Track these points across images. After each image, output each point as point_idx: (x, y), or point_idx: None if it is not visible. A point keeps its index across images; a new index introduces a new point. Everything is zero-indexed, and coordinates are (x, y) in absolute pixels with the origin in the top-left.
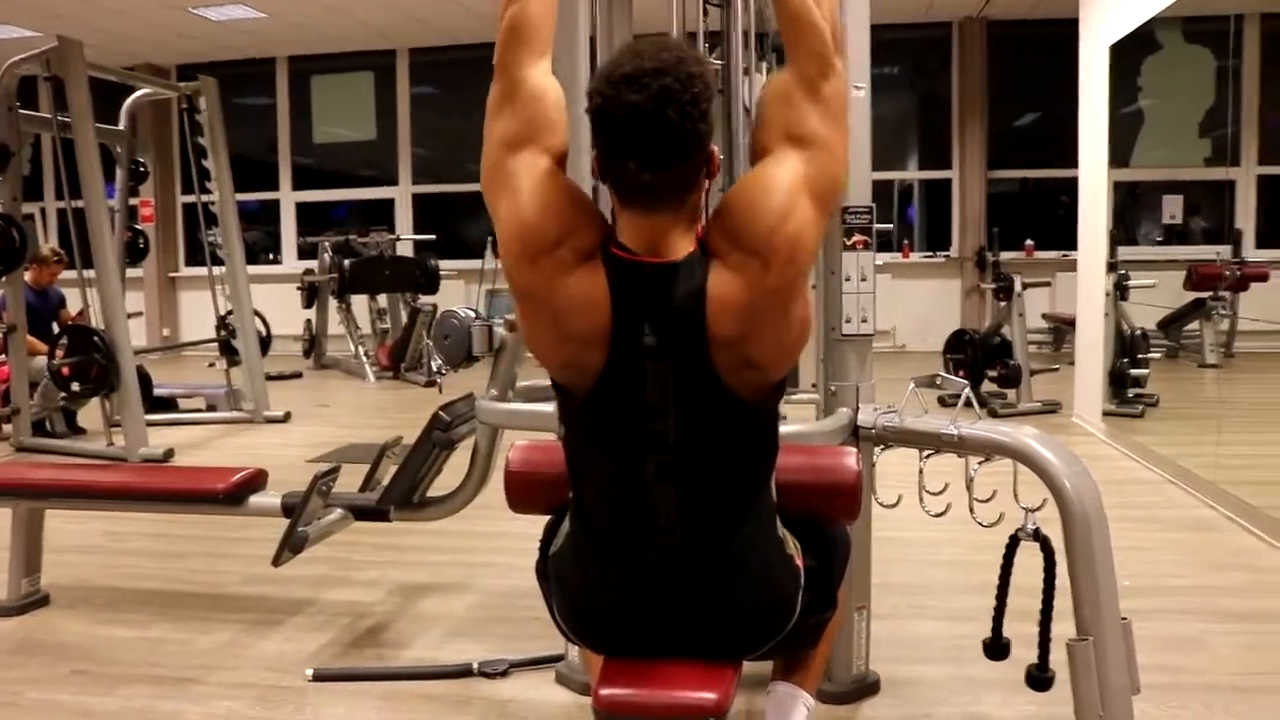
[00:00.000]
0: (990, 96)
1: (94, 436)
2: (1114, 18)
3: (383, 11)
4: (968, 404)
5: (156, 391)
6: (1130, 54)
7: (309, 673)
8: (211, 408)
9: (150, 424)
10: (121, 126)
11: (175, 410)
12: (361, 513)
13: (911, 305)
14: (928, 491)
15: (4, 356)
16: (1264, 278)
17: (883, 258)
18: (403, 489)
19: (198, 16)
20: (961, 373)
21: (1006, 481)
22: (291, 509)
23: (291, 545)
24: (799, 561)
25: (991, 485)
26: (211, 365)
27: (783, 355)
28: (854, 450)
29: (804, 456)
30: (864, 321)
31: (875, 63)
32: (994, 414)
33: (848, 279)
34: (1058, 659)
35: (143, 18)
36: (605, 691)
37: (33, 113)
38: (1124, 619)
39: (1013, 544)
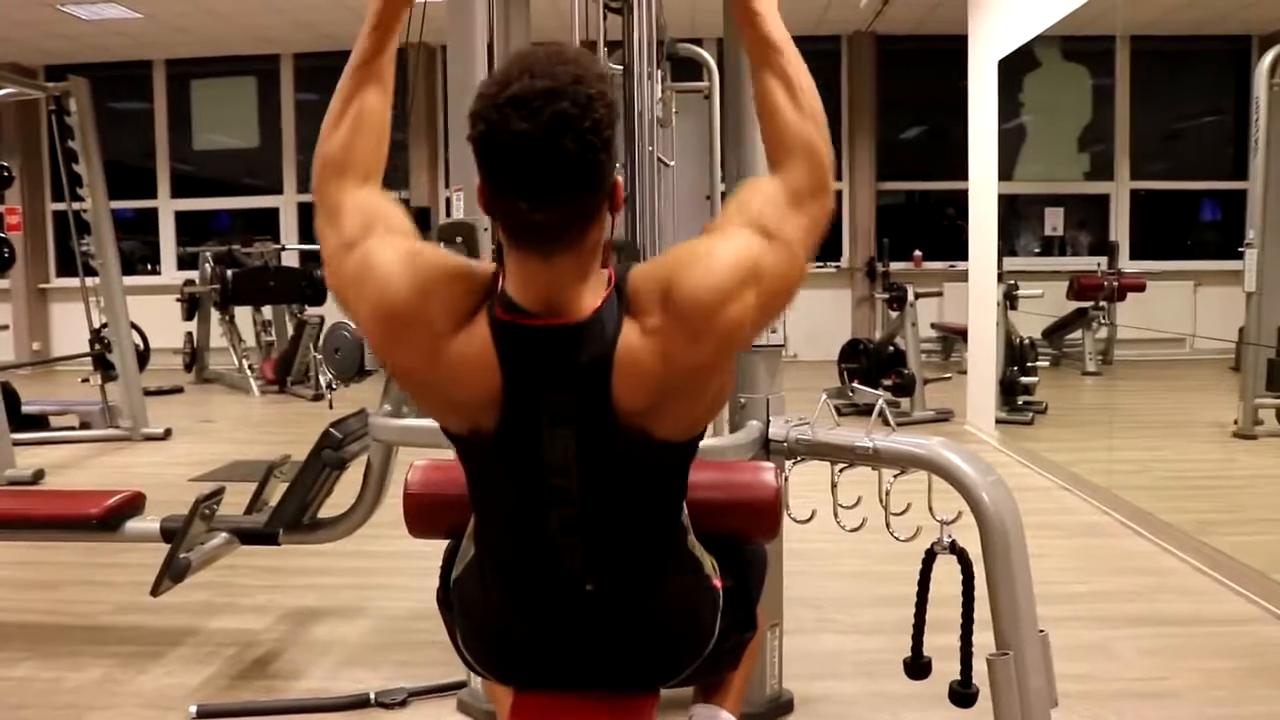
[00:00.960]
0: (879, 110)
1: None
2: (1001, 34)
3: (266, 15)
4: (883, 415)
5: (25, 409)
6: (1013, 71)
7: (192, 709)
8: (85, 425)
9: (18, 443)
10: None
11: (46, 429)
12: (248, 536)
13: (804, 315)
14: (842, 506)
15: None
16: (1141, 288)
17: None
18: (292, 510)
19: (68, 15)
20: (856, 381)
21: (919, 494)
22: (172, 534)
23: (172, 573)
24: (716, 582)
25: (905, 498)
26: (85, 380)
27: (690, 428)
28: (771, 465)
29: (720, 472)
30: (773, 332)
31: None
32: (886, 423)
33: None
34: (979, 672)
35: (6, 14)
36: None
37: None
38: (1041, 631)
39: (929, 558)
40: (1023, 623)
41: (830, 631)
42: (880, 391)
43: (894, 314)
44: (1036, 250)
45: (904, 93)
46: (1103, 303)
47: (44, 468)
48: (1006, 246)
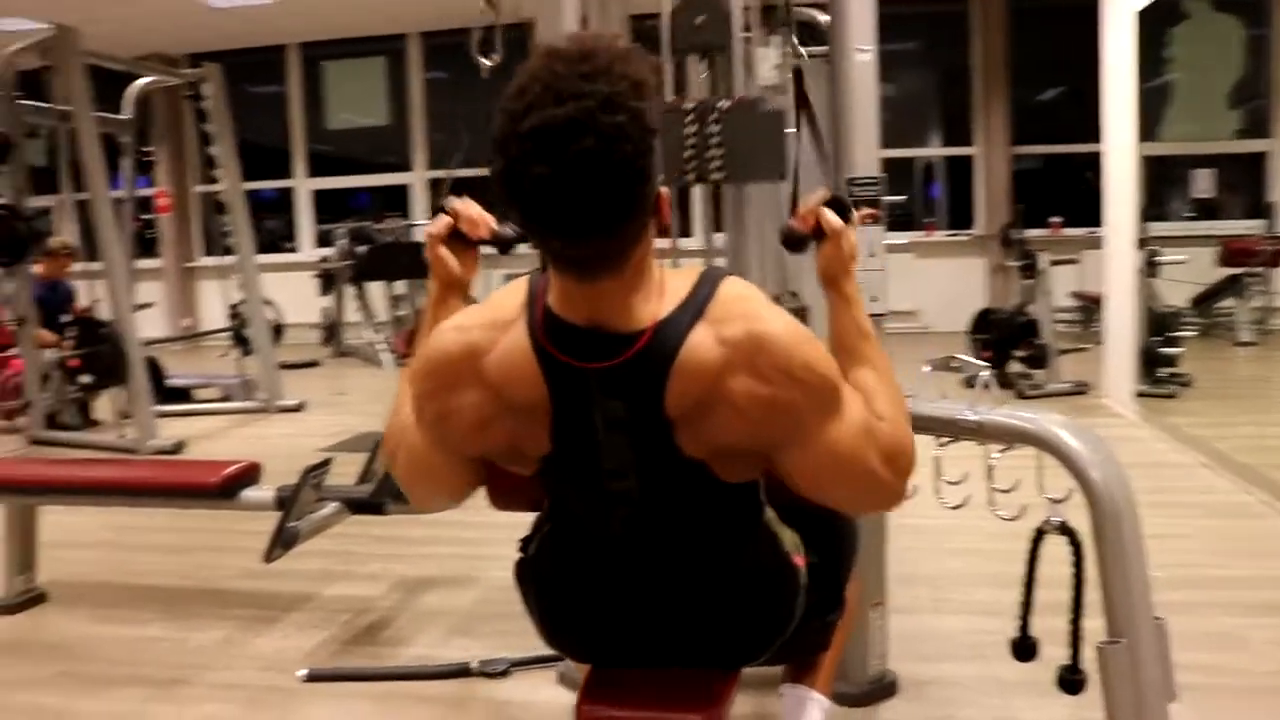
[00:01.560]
0: (1013, 70)
1: (107, 429)
2: None
3: None
4: (988, 387)
5: (171, 382)
6: (1156, 24)
7: (302, 673)
8: (226, 398)
9: (163, 415)
10: (126, 116)
11: (189, 401)
12: (356, 506)
13: (936, 285)
14: (946, 482)
15: (16, 350)
16: None
17: (906, 237)
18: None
19: (205, 4)
20: (987, 353)
21: (1032, 470)
22: (285, 503)
23: (283, 541)
24: (797, 560)
25: (1016, 475)
26: (224, 355)
27: (731, 461)
28: None
29: None
30: (874, 300)
31: (893, 38)
32: (1021, 395)
33: None
34: (1090, 658)
35: (151, 6)
36: (586, 706)
37: (36, 103)
38: (1158, 619)
39: (1038, 538)
40: (1136, 609)
41: (944, 612)
42: (983, 361)
43: (1026, 282)
44: (1187, 215)
45: (1039, 52)
46: (1258, 269)
47: (186, 438)
48: (1150, 211)
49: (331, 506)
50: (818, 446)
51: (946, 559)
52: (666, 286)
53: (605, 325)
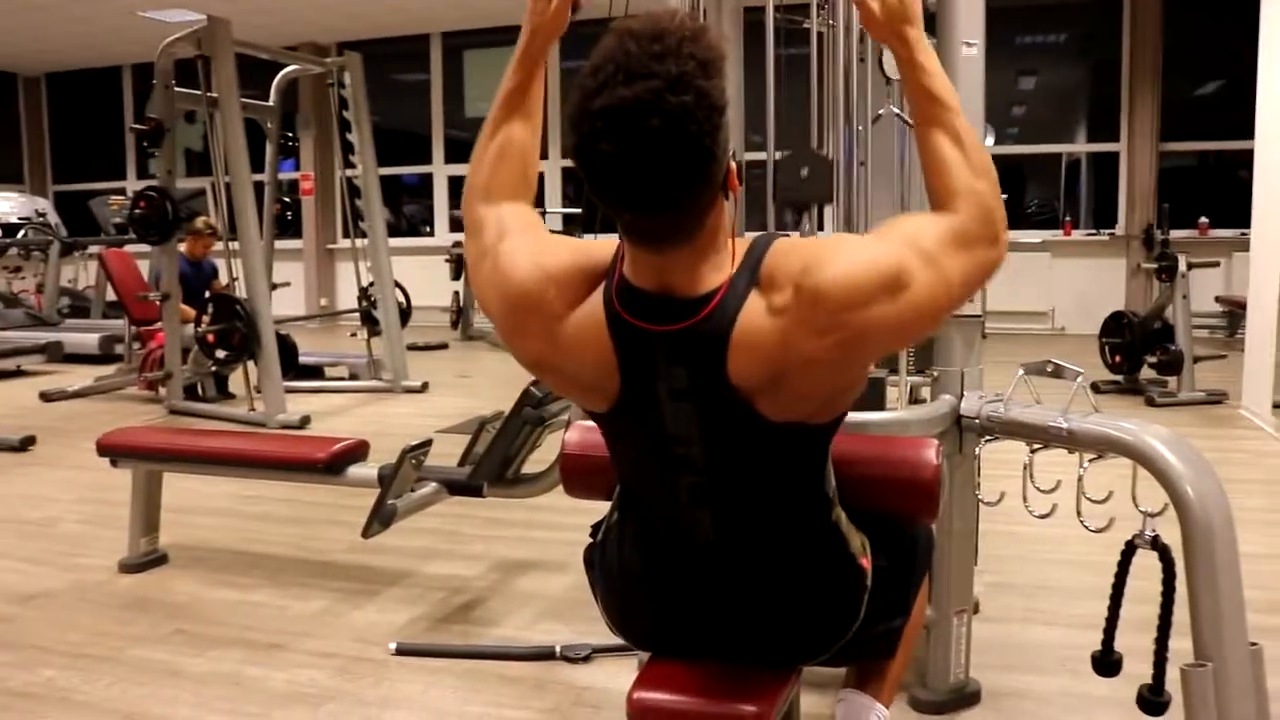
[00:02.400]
0: (1166, 63)
1: (240, 402)
2: None
3: None
4: (1100, 391)
5: (303, 359)
6: None
7: (392, 646)
8: (354, 376)
9: (293, 391)
10: (271, 102)
11: (320, 378)
12: (455, 487)
13: (1072, 285)
14: (1037, 489)
15: (160, 324)
16: None
17: (1042, 235)
18: (495, 464)
19: None
20: (1119, 358)
21: (1128, 481)
22: (385, 480)
23: (380, 518)
24: (864, 561)
25: (1110, 485)
26: (354, 335)
27: (798, 415)
28: (934, 442)
29: (878, 447)
30: (970, 300)
31: (1041, 30)
32: (1151, 402)
33: None
34: (1174, 681)
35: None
36: (638, 695)
37: (187, 90)
38: (1254, 644)
39: (1128, 552)
40: (1226, 632)
41: (1038, 622)
42: (1079, 368)
43: (1163, 285)
44: None
45: (1195, 44)
46: None
47: (311, 414)
48: None
49: (430, 486)
50: (913, 315)
51: (1047, 569)
52: (737, 255)
53: (674, 291)
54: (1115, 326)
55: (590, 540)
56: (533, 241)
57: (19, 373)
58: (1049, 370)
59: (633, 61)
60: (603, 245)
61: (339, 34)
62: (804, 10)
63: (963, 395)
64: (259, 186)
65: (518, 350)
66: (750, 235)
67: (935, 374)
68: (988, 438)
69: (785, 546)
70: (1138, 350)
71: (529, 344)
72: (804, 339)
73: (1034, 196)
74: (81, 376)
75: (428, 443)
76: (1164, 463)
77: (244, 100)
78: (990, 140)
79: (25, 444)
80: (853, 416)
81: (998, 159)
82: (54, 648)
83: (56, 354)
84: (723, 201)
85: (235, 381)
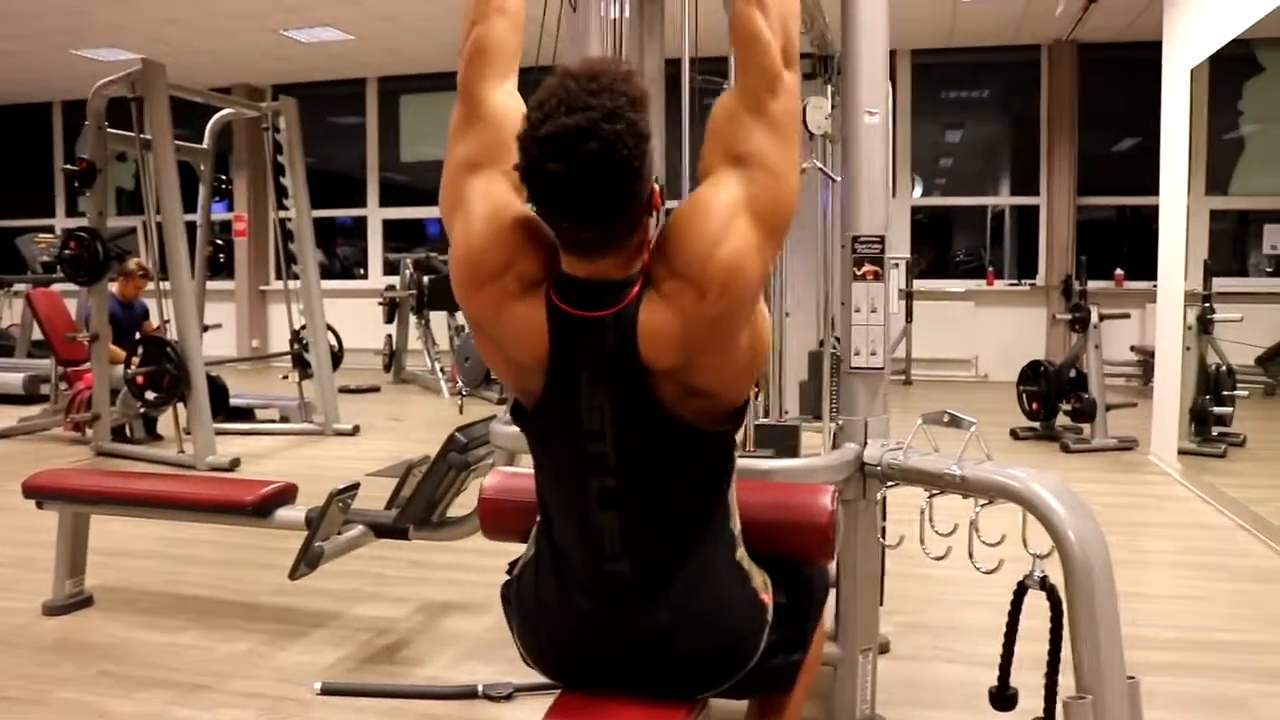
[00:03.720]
0: (1082, 121)
1: (170, 444)
2: (1193, 41)
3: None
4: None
5: (235, 401)
6: (1229, 77)
7: (317, 686)
8: (284, 419)
9: (224, 433)
10: (205, 145)
11: (252, 420)
12: (381, 530)
13: (995, 335)
14: (936, 532)
15: (88, 365)
16: None
17: (965, 284)
18: (420, 508)
19: (289, 39)
20: (1035, 405)
21: (1020, 524)
22: (312, 523)
23: (308, 560)
24: (765, 597)
25: (1004, 528)
26: (285, 377)
27: (733, 381)
28: (830, 489)
29: (777, 493)
30: (873, 354)
31: (964, 86)
32: (1066, 449)
33: (857, 310)
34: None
35: (238, 40)
36: None
37: (120, 131)
38: (1131, 678)
39: (1020, 592)
40: (1105, 667)
41: (945, 660)
42: (972, 419)
43: (1078, 335)
44: (1269, 270)
45: (1109, 103)
46: None
47: (242, 456)
48: (1225, 266)
49: (357, 529)
50: (755, 218)
51: (958, 610)
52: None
53: (606, 276)
54: (1032, 375)
55: (507, 576)
56: (504, 205)
57: None
58: (945, 421)
59: (573, 96)
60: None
61: (274, 76)
62: (722, 66)
63: (866, 443)
64: (191, 227)
65: (467, 302)
66: None
67: (839, 423)
68: (889, 484)
69: (692, 572)
70: (1053, 398)
71: (476, 306)
72: (694, 306)
73: (961, 246)
74: (4, 417)
75: (355, 486)
76: (1047, 508)
77: (178, 143)
78: (919, 191)
79: None
80: (764, 463)
81: (927, 209)
82: None
83: None
84: (646, 219)
85: (164, 423)
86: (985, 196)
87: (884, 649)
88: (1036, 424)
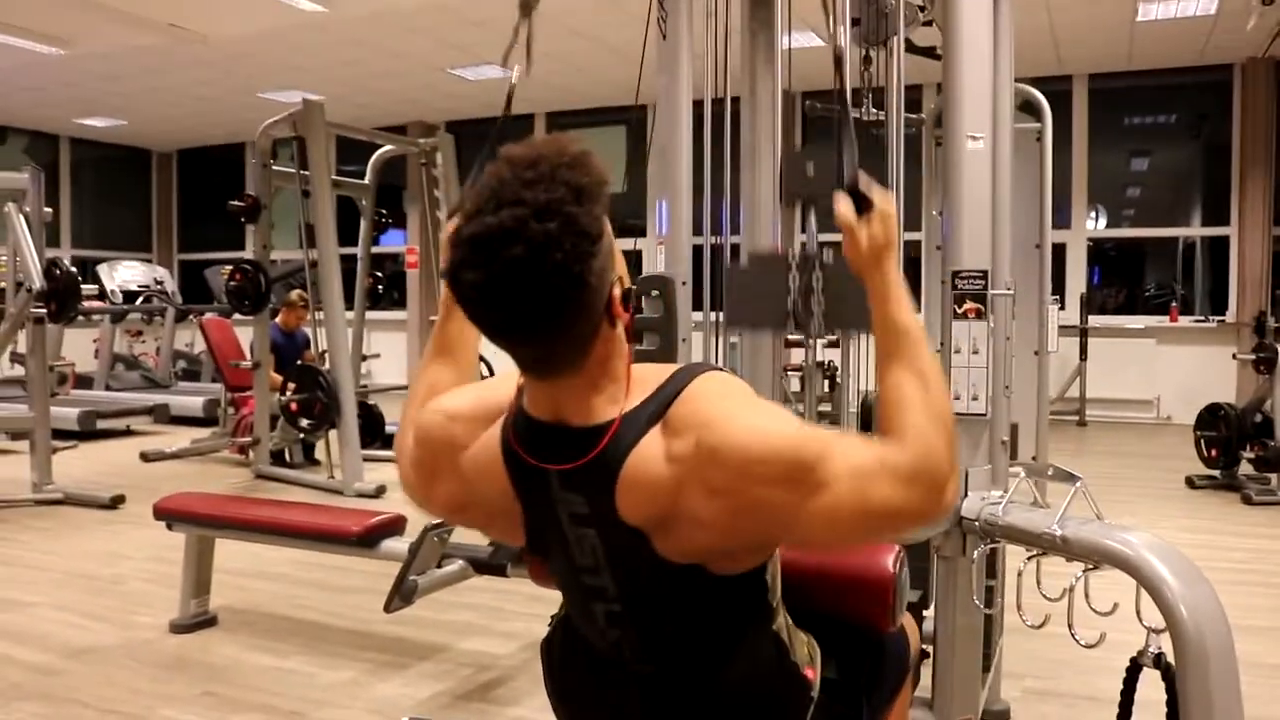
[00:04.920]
0: (1279, 145)
1: (324, 469)
2: None
3: (628, 69)
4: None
5: (390, 428)
6: None
7: None
8: None
9: (376, 459)
10: (366, 180)
11: None
12: (479, 565)
13: (1179, 375)
14: (1044, 596)
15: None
16: None
17: (1146, 321)
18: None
19: (457, 77)
20: (1214, 452)
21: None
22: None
23: (402, 593)
24: (809, 672)
25: (1120, 595)
26: None
27: (729, 557)
28: (895, 547)
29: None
30: (975, 399)
31: (1149, 111)
32: (1248, 500)
33: (957, 351)
34: None
35: (409, 79)
36: None
37: (284, 169)
38: None
39: (1133, 671)
40: None
41: None
42: (1078, 474)
43: (1263, 377)
44: None
45: None
46: None
47: (389, 484)
48: None
49: (456, 564)
50: (812, 520)
51: (1099, 677)
52: (638, 383)
53: (568, 421)
54: (1211, 419)
55: (549, 629)
56: (440, 400)
57: (128, 432)
58: (1049, 474)
59: (505, 188)
60: (507, 380)
61: (446, 113)
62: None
63: (965, 495)
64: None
65: (435, 500)
66: (677, 366)
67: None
68: (987, 542)
69: (715, 656)
70: (1234, 445)
71: (443, 487)
72: (696, 494)
73: (1152, 280)
74: (183, 438)
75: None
76: (1156, 577)
77: (339, 179)
78: (1102, 221)
79: (115, 502)
80: None
81: (1115, 241)
82: (90, 703)
83: (163, 415)
84: (610, 330)
85: (323, 448)
86: (1173, 228)
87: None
88: (1215, 472)
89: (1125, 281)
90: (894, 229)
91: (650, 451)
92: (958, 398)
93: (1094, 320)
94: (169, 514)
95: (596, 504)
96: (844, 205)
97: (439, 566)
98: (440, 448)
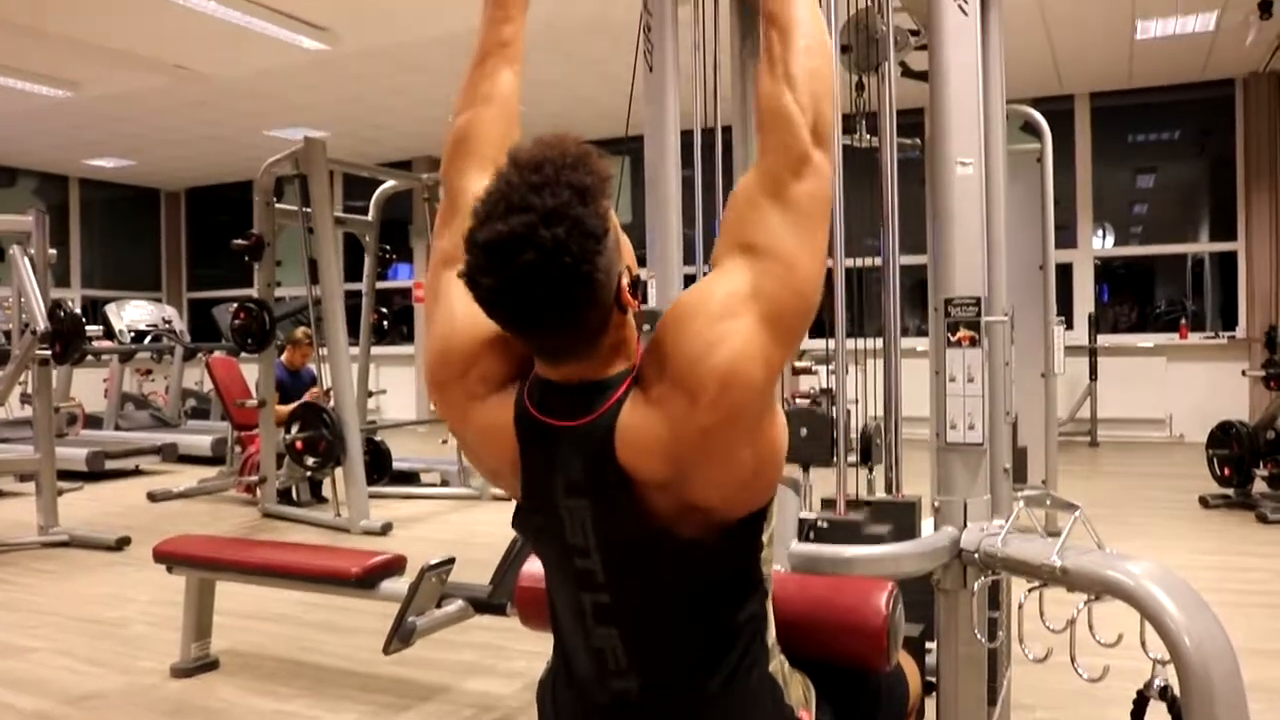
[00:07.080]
0: None
1: (331, 506)
2: None
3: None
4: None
5: (398, 465)
6: None
7: None
8: (445, 483)
9: (382, 496)
10: (370, 217)
11: (416, 483)
12: (479, 605)
13: (1188, 392)
14: (1048, 628)
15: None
16: None
17: (1155, 339)
18: (514, 582)
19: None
20: (1227, 470)
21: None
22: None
23: (401, 635)
24: (803, 714)
25: (1125, 625)
26: (444, 441)
27: (734, 495)
28: (888, 585)
29: (823, 589)
30: (971, 429)
31: (1152, 128)
32: (1263, 519)
33: (952, 379)
34: None
35: (411, 114)
36: None
37: (287, 206)
38: None
39: (1140, 704)
40: None
41: None
42: (1088, 496)
43: (1274, 393)
44: None
45: None
46: None
47: (396, 520)
48: None
49: (456, 604)
50: (760, 322)
51: (1113, 709)
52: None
53: (583, 378)
54: (1222, 437)
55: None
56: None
57: (137, 472)
58: (1048, 504)
59: (513, 194)
60: None
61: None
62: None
63: (965, 526)
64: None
65: (436, 401)
66: None
67: (937, 504)
68: (987, 574)
69: (706, 682)
70: (1247, 462)
71: (443, 403)
72: (686, 414)
73: (1163, 297)
74: (191, 477)
75: (450, 561)
76: (1158, 608)
77: (343, 215)
78: (1110, 240)
79: (120, 544)
80: (846, 550)
81: (1124, 259)
82: None
83: (171, 455)
84: (621, 316)
85: (330, 485)
86: (1180, 244)
87: None
88: (1229, 491)
89: (1136, 299)
90: None
91: (633, 406)
92: (954, 427)
93: (1103, 339)
94: (169, 557)
95: (596, 468)
96: None
97: (439, 606)
98: (455, 378)
